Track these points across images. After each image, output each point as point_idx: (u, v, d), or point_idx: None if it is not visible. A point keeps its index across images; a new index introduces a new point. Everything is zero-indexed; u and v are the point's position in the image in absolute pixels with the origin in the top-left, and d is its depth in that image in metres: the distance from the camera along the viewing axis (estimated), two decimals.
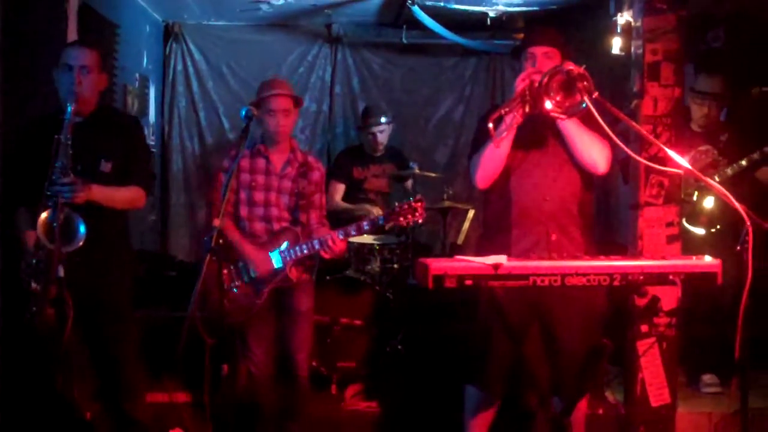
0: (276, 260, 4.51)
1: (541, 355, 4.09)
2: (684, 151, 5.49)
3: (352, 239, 5.51)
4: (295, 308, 4.63)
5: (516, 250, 3.80)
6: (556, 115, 3.55)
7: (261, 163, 4.60)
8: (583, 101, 3.41)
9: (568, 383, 3.95)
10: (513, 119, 3.75)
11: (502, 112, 3.71)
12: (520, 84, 3.75)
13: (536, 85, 3.59)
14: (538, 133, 3.89)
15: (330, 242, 4.45)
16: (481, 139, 3.94)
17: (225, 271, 4.46)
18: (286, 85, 4.69)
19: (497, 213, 4.05)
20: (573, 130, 3.84)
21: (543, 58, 3.91)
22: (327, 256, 4.53)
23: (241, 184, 4.57)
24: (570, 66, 3.47)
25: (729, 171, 5.54)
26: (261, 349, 4.57)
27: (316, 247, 4.49)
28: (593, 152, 3.89)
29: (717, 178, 5.49)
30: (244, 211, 4.58)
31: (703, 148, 5.75)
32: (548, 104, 3.51)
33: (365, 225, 4.53)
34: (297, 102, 4.68)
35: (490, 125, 3.65)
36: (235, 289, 4.50)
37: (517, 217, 3.97)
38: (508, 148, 3.87)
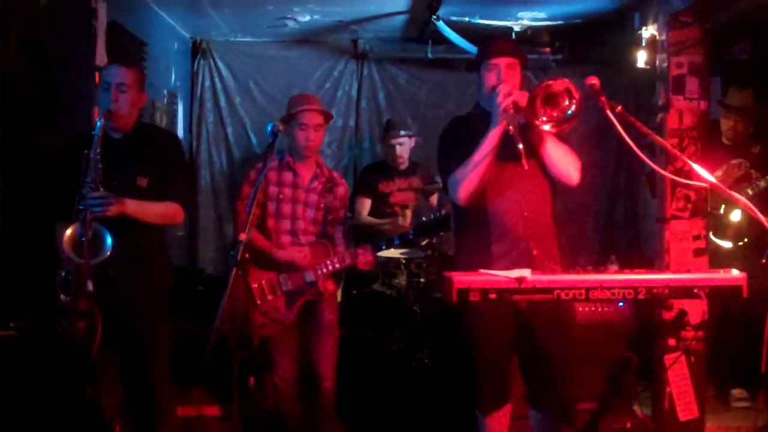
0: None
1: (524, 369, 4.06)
2: (716, 165, 5.48)
3: (379, 254, 5.53)
4: (322, 320, 4.66)
5: (498, 266, 3.64)
6: (549, 128, 3.57)
7: (288, 176, 4.64)
8: (570, 108, 3.45)
9: (552, 399, 3.92)
10: (493, 139, 3.75)
11: (510, 130, 3.68)
12: (503, 101, 3.71)
13: (520, 105, 3.63)
14: (510, 147, 3.80)
15: (366, 255, 4.55)
16: (453, 155, 3.91)
17: (255, 285, 4.50)
18: (317, 100, 4.75)
19: (474, 229, 3.98)
20: (548, 144, 3.84)
21: (506, 69, 3.90)
22: (361, 266, 4.60)
23: (269, 196, 4.60)
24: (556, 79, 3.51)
25: (762, 183, 5.50)
26: (286, 362, 4.60)
27: (347, 261, 4.55)
28: (568, 165, 3.87)
29: (750, 192, 5.46)
30: (271, 223, 4.61)
31: (735, 161, 5.73)
32: (544, 121, 3.54)
33: (396, 240, 4.65)
34: (327, 118, 4.72)
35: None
36: (268, 303, 4.52)
37: (497, 234, 3.91)
38: (491, 165, 3.83)
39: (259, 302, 4.48)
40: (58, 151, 4.22)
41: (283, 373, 4.58)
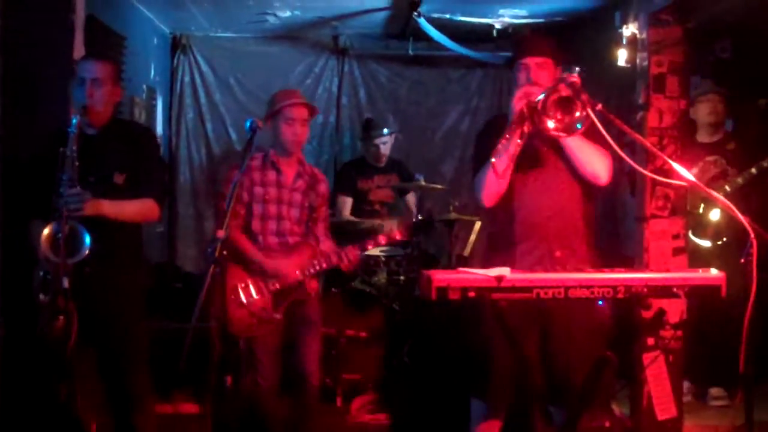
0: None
1: (540, 365, 4.05)
2: (691, 162, 5.50)
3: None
4: (308, 319, 4.64)
5: (520, 266, 3.73)
6: (557, 134, 3.54)
7: (272, 175, 4.61)
8: (583, 117, 3.41)
9: (568, 395, 3.92)
10: (513, 140, 3.72)
11: (505, 139, 3.67)
12: (517, 104, 3.70)
13: (534, 102, 3.58)
14: (537, 147, 3.85)
15: (351, 256, 4.57)
16: (483, 155, 3.89)
17: (242, 285, 4.48)
18: (301, 95, 4.72)
19: (502, 228, 4.01)
20: (574, 143, 3.81)
21: (537, 69, 3.86)
22: (345, 269, 4.66)
23: (255, 197, 4.57)
24: (566, 82, 3.46)
25: (740, 180, 5.52)
26: (269, 361, 4.56)
27: (334, 260, 4.56)
28: (595, 164, 3.85)
29: (728, 188, 5.48)
30: (257, 225, 4.57)
31: (711, 158, 5.76)
32: (550, 124, 3.50)
33: (382, 241, 4.78)
34: (312, 111, 4.70)
35: (494, 159, 3.62)
36: (255, 303, 4.50)
37: (521, 233, 3.93)
38: (511, 168, 3.82)
39: (245, 302, 4.46)
40: (34, 148, 4.18)
41: (266, 373, 4.55)
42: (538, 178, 3.92)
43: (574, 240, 3.94)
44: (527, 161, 3.88)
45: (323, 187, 4.75)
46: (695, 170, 5.63)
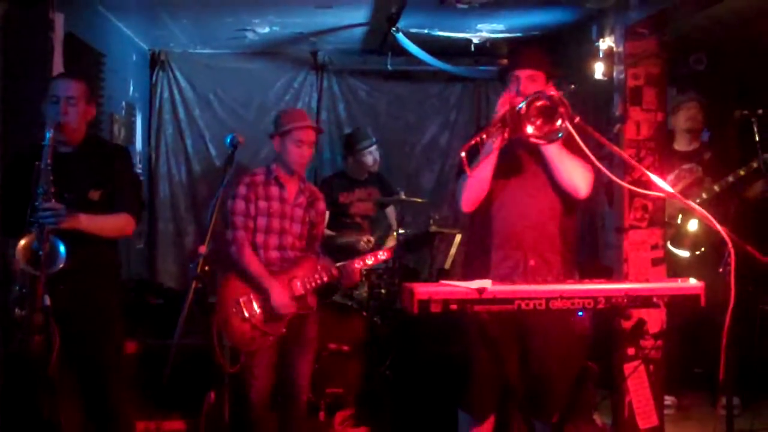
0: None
1: (520, 375, 4.07)
2: (668, 170, 5.55)
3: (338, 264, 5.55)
4: (306, 335, 4.68)
5: (495, 274, 3.77)
6: (536, 140, 3.57)
7: (275, 190, 4.66)
8: (564, 127, 3.44)
9: (548, 406, 3.95)
10: (494, 144, 3.76)
11: (483, 137, 3.72)
12: (500, 109, 3.76)
13: (516, 109, 3.61)
14: (519, 157, 3.90)
15: (354, 270, 4.69)
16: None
17: (244, 299, 4.49)
18: (308, 117, 4.82)
19: (479, 236, 4.05)
20: (555, 154, 3.85)
21: (527, 81, 3.89)
22: (345, 283, 4.78)
23: (260, 211, 4.61)
24: (549, 92, 3.50)
25: (716, 188, 5.59)
26: (264, 376, 4.56)
27: (335, 274, 4.63)
28: (575, 176, 3.88)
29: (705, 195, 5.54)
30: (260, 239, 4.60)
31: (687, 166, 5.82)
32: (529, 129, 3.52)
33: (381, 254, 4.90)
34: (318, 133, 4.86)
35: (463, 154, 3.64)
36: (257, 317, 4.49)
37: (498, 241, 3.96)
38: (492, 172, 3.88)
39: (247, 316, 4.46)
40: (8, 165, 4.18)
41: (259, 387, 4.54)
42: (518, 187, 3.95)
43: (549, 251, 3.97)
44: (509, 170, 3.91)
45: (322, 205, 4.85)
46: (671, 177, 5.69)
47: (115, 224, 4.12)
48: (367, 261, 4.78)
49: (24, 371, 3.96)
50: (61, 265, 3.81)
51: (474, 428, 4.08)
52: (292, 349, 4.62)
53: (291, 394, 4.64)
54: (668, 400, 5.73)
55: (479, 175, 3.85)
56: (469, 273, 3.47)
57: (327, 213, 6.60)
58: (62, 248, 3.81)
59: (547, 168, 3.91)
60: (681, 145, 5.97)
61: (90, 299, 4.06)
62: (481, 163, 3.81)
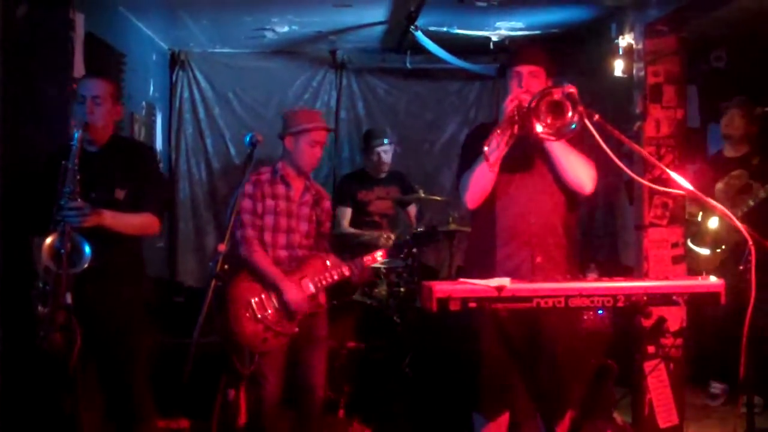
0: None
1: (535, 374, 4.06)
2: (719, 177, 5.55)
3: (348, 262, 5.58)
4: (317, 333, 4.69)
5: (500, 271, 3.75)
6: (546, 137, 3.56)
7: (281, 189, 4.66)
8: (573, 122, 3.43)
9: (562, 405, 3.94)
10: (503, 140, 3.75)
11: (496, 133, 3.71)
12: (509, 105, 3.75)
13: (524, 106, 3.61)
14: (524, 154, 3.87)
15: (364, 267, 4.69)
16: (470, 158, 3.94)
17: (256, 299, 4.49)
18: (322, 117, 4.83)
19: (483, 233, 4.04)
20: (560, 151, 3.84)
21: (528, 77, 3.89)
22: (356, 281, 4.80)
23: (267, 210, 4.61)
24: (562, 87, 3.49)
25: (762, 194, 5.53)
26: (275, 376, 4.57)
27: (346, 273, 4.61)
28: (580, 172, 3.89)
29: (751, 202, 5.50)
30: (268, 237, 4.61)
31: (735, 173, 5.79)
32: (538, 127, 3.52)
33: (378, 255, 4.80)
34: (328, 134, 4.87)
35: (486, 148, 3.65)
36: (269, 317, 4.51)
37: (503, 238, 3.95)
38: (497, 168, 3.86)
39: (260, 317, 4.47)
40: (36, 165, 4.21)
41: (271, 387, 4.55)
42: (523, 183, 3.95)
43: (554, 248, 3.96)
44: (514, 166, 3.90)
45: (328, 204, 4.84)
46: (721, 185, 5.70)
47: (139, 222, 4.14)
48: (376, 259, 4.76)
49: (44, 368, 4.00)
50: (86, 265, 3.84)
51: (486, 427, 4.08)
52: (304, 347, 4.63)
53: (307, 393, 4.65)
54: (717, 388, 5.74)
55: (486, 171, 3.83)
56: (471, 270, 3.45)
57: (348, 210, 6.67)
58: (87, 248, 3.84)
59: (551, 164, 3.90)
60: (729, 150, 5.95)
61: (115, 298, 4.08)
62: (491, 161, 3.80)
